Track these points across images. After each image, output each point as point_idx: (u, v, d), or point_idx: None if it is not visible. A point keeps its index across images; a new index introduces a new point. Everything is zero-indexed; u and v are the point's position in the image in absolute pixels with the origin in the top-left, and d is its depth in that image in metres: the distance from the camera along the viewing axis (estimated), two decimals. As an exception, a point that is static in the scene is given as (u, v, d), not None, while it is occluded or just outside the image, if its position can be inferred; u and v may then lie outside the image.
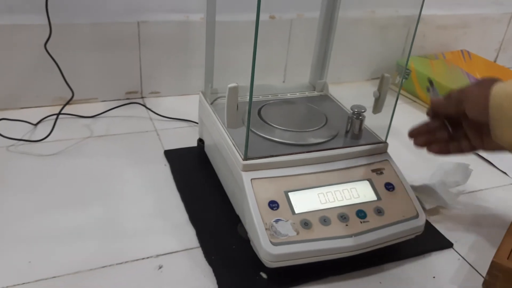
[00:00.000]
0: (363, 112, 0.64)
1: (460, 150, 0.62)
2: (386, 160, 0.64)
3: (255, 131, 0.63)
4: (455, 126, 0.62)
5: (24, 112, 0.84)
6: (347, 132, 0.65)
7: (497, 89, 0.52)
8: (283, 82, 1.04)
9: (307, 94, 0.78)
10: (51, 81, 0.83)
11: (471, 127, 0.60)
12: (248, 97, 0.54)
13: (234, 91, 0.57)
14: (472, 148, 0.61)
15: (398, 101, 1.04)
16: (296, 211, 0.55)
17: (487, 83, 0.54)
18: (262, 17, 1.00)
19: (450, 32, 1.14)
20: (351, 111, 0.64)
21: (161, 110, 0.89)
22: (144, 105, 0.91)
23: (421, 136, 0.63)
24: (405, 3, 0.64)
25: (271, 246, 0.52)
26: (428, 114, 0.64)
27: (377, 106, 0.66)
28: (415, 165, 0.78)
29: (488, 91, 0.53)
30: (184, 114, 0.88)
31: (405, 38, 1.10)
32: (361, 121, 0.64)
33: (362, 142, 0.64)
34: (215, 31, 0.69)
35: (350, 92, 1.03)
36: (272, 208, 0.55)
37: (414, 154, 0.85)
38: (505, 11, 1.18)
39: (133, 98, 0.94)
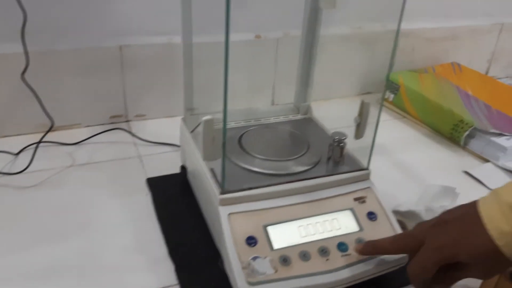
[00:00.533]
0: (344, 139, 0.63)
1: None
2: (369, 187, 0.62)
3: (234, 160, 0.62)
4: None
5: (5, 141, 0.83)
6: (328, 159, 0.64)
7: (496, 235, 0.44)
8: (272, 103, 1.02)
9: (291, 117, 0.77)
10: (32, 108, 0.82)
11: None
12: (225, 124, 0.53)
13: (209, 123, 0.56)
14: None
15: (388, 117, 1.04)
16: (275, 247, 0.54)
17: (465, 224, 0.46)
18: (247, 36, 1.00)
19: (439, 44, 1.13)
20: (332, 139, 0.63)
21: (146, 134, 0.88)
22: (128, 131, 0.89)
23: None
24: (391, 18, 0.63)
25: (248, 287, 0.50)
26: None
27: (359, 132, 0.64)
28: (401, 185, 0.77)
29: (485, 234, 0.44)
30: (170, 138, 0.87)
31: (392, 52, 1.09)
32: (342, 148, 0.63)
33: (344, 169, 0.63)
34: (192, 53, 0.68)
35: (339, 109, 1.01)
36: (249, 244, 0.53)
37: (403, 174, 0.84)
38: (495, 22, 1.17)
39: (118, 122, 0.93)
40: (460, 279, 0.49)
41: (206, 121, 0.55)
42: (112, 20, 0.86)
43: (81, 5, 0.82)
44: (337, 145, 0.63)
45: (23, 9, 0.72)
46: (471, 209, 0.47)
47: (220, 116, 0.55)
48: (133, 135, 0.88)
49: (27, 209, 0.68)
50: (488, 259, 0.45)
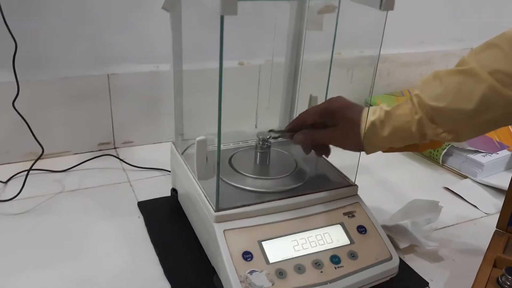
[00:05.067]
0: (269, 138, 0.68)
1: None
2: (357, 202, 0.64)
3: (226, 180, 0.64)
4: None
5: (-7, 170, 0.83)
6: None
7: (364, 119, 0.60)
8: (256, 127, 1.05)
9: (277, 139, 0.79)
10: (21, 137, 0.82)
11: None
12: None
13: (202, 144, 0.58)
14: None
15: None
16: (271, 261, 0.55)
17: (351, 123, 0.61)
18: (231, 64, 1.03)
19: (414, 69, 1.18)
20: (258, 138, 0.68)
21: (134, 160, 0.89)
22: (116, 156, 0.90)
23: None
24: (369, 44, 0.67)
25: (246, 300, 0.51)
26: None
27: None
28: (386, 203, 0.79)
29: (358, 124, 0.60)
30: (158, 163, 0.88)
31: (372, 77, 1.14)
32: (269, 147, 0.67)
33: (333, 185, 0.65)
34: (182, 80, 0.70)
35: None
36: (246, 259, 0.55)
37: (386, 192, 0.86)
38: (466, 47, 1.24)
39: (106, 149, 0.93)
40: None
41: (200, 141, 0.57)
42: (100, 50, 0.88)
43: (69, 35, 0.84)
44: (262, 144, 0.67)
45: (14, 39, 0.74)
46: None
47: (211, 138, 0.57)
48: (122, 161, 0.89)
49: (18, 236, 0.67)
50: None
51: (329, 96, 0.71)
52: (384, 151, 0.64)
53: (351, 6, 0.58)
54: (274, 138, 0.69)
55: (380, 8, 0.53)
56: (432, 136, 0.57)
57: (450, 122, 0.55)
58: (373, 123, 0.60)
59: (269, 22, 0.84)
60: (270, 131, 0.68)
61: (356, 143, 0.62)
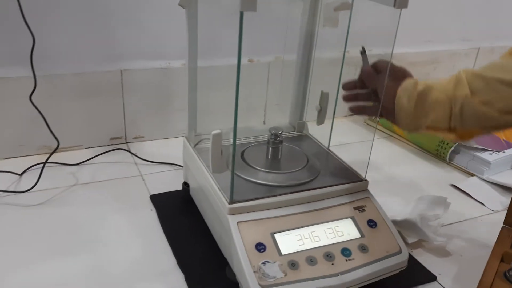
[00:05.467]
0: (281, 133, 0.69)
1: (373, 115, 0.70)
2: (367, 197, 0.66)
3: (239, 174, 0.65)
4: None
5: (9, 163, 0.84)
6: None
7: (403, 89, 0.63)
8: (264, 123, 1.06)
9: (287, 134, 0.80)
10: (36, 130, 0.84)
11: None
12: (232, 140, 0.56)
13: (218, 137, 0.59)
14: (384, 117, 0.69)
15: (376, 136, 1.08)
16: (283, 252, 0.56)
17: (400, 80, 0.64)
18: (241, 61, 1.04)
19: (421, 68, 1.19)
20: (270, 133, 0.69)
21: (145, 155, 0.91)
22: (128, 151, 0.92)
23: (350, 93, 0.71)
24: (378, 43, 0.68)
25: (260, 290, 0.52)
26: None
27: (319, 119, 0.75)
28: (395, 198, 0.81)
29: (397, 88, 0.63)
30: (168, 158, 0.90)
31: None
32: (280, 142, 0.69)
33: (343, 180, 0.66)
34: (197, 76, 0.71)
35: (329, 129, 1.06)
36: (259, 250, 0.56)
37: (395, 188, 0.88)
38: (472, 46, 1.25)
39: (117, 143, 0.95)
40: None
41: (215, 135, 0.59)
42: (114, 46, 0.89)
43: (84, 32, 0.86)
44: (274, 139, 0.68)
45: (32, 35, 0.75)
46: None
47: (223, 132, 0.58)
48: (134, 155, 0.90)
49: (35, 226, 0.69)
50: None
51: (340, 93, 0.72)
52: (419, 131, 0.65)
53: (364, 4, 0.59)
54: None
55: (394, 5, 0.54)
56: (466, 105, 0.58)
57: (487, 90, 0.57)
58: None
59: (280, 20, 0.85)
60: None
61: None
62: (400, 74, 0.66)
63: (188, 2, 0.65)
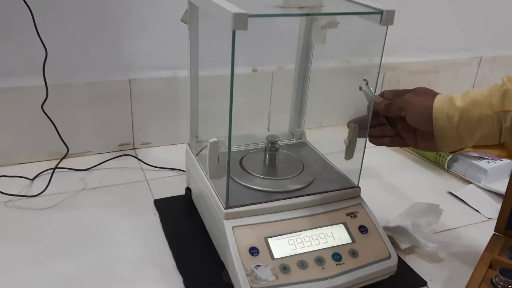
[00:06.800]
0: (277, 141, 0.72)
1: (393, 145, 0.69)
2: (360, 203, 0.68)
3: (236, 180, 0.68)
4: (391, 123, 0.68)
5: (21, 168, 0.89)
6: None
7: (438, 108, 0.59)
8: (268, 130, 1.09)
9: (286, 142, 0.83)
10: (47, 137, 0.88)
11: (407, 129, 0.66)
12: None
13: (215, 145, 0.62)
14: (404, 144, 0.68)
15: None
16: (276, 256, 0.59)
17: (426, 94, 0.61)
18: (245, 70, 1.08)
19: (422, 77, 1.21)
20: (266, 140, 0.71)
21: (151, 160, 0.94)
22: (135, 157, 0.96)
23: (375, 134, 0.69)
24: (376, 53, 0.71)
25: (252, 291, 0.55)
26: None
27: (348, 153, 0.71)
28: (391, 205, 0.83)
29: (430, 104, 0.59)
30: (174, 163, 0.93)
31: (381, 84, 1.17)
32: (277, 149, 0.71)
33: (337, 187, 0.69)
34: (198, 85, 0.75)
35: (331, 135, 1.09)
36: (252, 254, 0.59)
37: (392, 194, 0.90)
38: (474, 56, 1.26)
39: (126, 149, 0.99)
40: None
41: (212, 143, 0.62)
42: (123, 56, 0.94)
43: (94, 43, 0.91)
44: (271, 146, 0.70)
45: (45, 47, 0.80)
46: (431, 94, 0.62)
47: (223, 140, 0.61)
48: (140, 160, 0.94)
49: (44, 228, 0.73)
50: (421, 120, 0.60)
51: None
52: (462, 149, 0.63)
53: (355, 20, 0.62)
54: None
55: (380, 23, 0.56)
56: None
57: None
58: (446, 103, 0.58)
59: (281, 32, 0.88)
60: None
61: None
62: (423, 91, 0.62)
63: (190, 18, 0.68)
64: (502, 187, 0.90)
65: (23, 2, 0.76)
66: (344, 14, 0.59)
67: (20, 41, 0.85)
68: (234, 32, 0.50)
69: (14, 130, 0.88)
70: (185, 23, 0.69)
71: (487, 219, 0.83)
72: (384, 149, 1.08)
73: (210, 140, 0.61)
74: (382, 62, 1.01)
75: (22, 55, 0.86)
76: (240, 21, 0.49)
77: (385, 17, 0.56)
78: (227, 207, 0.62)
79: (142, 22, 0.93)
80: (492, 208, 0.86)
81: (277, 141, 0.72)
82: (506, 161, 0.94)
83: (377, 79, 0.66)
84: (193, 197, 0.79)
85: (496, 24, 1.28)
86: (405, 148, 1.07)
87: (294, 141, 0.84)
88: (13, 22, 0.83)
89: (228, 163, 0.61)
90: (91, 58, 0.91)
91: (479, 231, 0.80)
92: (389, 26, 0.59)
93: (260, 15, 0.52)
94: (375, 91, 0.67)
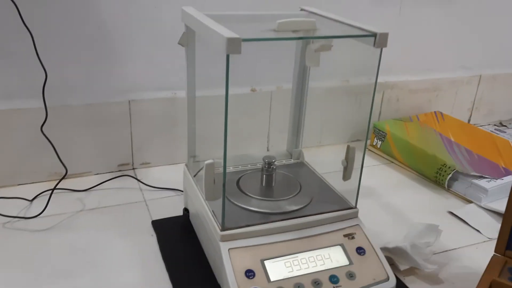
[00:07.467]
0: (274, 161, 0.71)
1: None
2: (357, 225, 0.68)
3: (233, 201, 0.68)
4: None
5: (20, 189, 0.89)
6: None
7: None
8: (267, 149, 1.09)
9: (284, 162, 0.83)
10: (47, 158, 0.89)
11: None
12: (229, 167, 0.59)
13: (210, 167, 0.62)
14: None
15: (376, 162, 1.10)
16: (272, 279, 0.59)
17: None
18: (244, 90, 1.09)
19: (422, 95, 1.22)
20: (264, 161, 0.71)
21: (150, 180, 0.95)
22: (134, 177, 0.96)
23: None
24: (373, 74, 0.71)
25: (247, 315, 0.55)
26: None
27: (346, 174, 0.71)
28: (389, 225, 0.82)
29: None
30: (173, 183, 0.93)
31: (380, 102, 1.18)
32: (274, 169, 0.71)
33: (334, 208, 0.68)
34: (195, 106, 0.75)
35: (329, 155, 1.08)
36: (248, 277, 0.58)
37: (392, 214, 0.89)
38: (473, 74, 1.26)
39: (125, 169, 0.99)
40: None
41: (208, 165, 0.62)
42: (122, 78, 0.95)
43: (93, 65, 0.92)
44: (268, 166, 0.70)
45: (45, 70, 0.81)
46: None
47: (220, 161, 0.61)
48: (139, 181, 0.94)
49: (41, 251, 0.73)
50: None
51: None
52: None
53: (350, 42, 0.63)
54: None
55: (374, 45, 0.57)
56: None
57: None
58: None
59: (279, 53, 0.89)
60: None
61: None
62: None
63: (187, 41, 0.69)
64: (503, 207, 0.89)
65: (25, 27, 0.78)
66: (337, 37, 0.60)
67: (20, 64, 0.86)
68: (228, 56, 0.51)
69: (14, 151, 0.89)
70: (183, 46, 0.70)
71: (488, 239, 0.82)
72: (383, 168, 1.08)
73: (206, 162, 0.62)
74: (382, 80, 1.02)
75: (22, 77, 0.87)
76: (234, 45, 0.50)
77: (379, 40, 0.56)
78: (223, 229, 0.61)
79: (141, 44, 0.94)
80: (493, 228, 0.85)
81: (274, 161, 0.72)
82: (506, 180, 0.94)
83: (373, 101, 0.67)
84: (191, 218, 0.79)
85: (493, 43, 1.29)
86: (404, 167, 1.07)
87: (292, 161, 0.84)
88: (14, 45, 0.84)
89: (224, 185, 0.61)
90: (90, 80, 0.92)
91: (480, 252, 0.79)
92: (388, 44, 0.59)
93: (253, 39, 0.53)
94: (371, 111, 0.68)
